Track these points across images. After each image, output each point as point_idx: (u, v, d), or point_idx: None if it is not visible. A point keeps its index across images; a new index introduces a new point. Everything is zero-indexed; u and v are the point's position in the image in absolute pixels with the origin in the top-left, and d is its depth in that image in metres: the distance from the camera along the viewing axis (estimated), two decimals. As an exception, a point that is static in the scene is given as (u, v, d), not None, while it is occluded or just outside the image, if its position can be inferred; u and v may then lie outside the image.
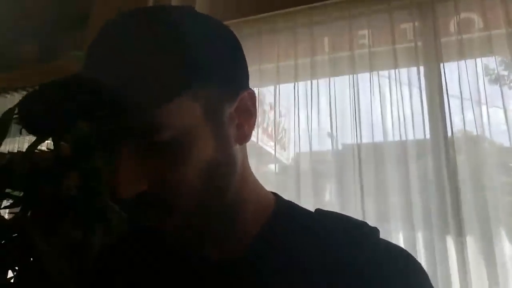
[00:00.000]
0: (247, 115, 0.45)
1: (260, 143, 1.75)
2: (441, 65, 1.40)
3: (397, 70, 1.44)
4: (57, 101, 0.36)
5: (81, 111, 0.35)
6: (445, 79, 1.39)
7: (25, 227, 0.97)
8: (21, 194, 1.06)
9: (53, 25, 2.37)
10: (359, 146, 1.46)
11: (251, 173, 0.49)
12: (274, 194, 0.52)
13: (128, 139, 0.38)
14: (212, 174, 0.41)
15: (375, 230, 0.48)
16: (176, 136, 0.38)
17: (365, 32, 1.54)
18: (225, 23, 1.57)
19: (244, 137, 0.45)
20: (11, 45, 2.47)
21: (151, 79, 0.36)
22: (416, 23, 1.48)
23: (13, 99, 2.19)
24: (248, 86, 0.46)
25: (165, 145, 0.38)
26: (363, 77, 1.51)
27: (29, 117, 0.36)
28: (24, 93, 2.11)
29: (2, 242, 1.01)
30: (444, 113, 1.38)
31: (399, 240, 1.36)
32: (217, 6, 1.81)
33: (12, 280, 0.95)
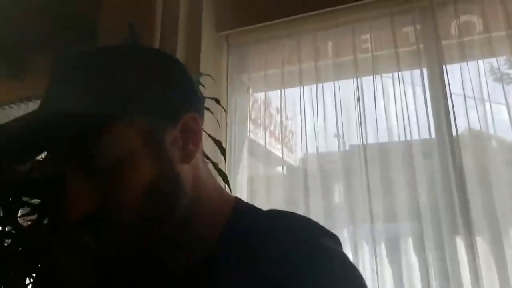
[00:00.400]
0: (191, 135, 0.48)
1: (267, 146, 1.77)
2: (444, 66, 1.42)
3: (400, 73, 1.46)
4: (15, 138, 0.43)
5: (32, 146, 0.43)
6: (448, 80, 1.41)
7: (43, 234, 1.00)
8: (38, 203, 1.09)
9: (62, 36, 2.43)
10: (364, 146, 1.48)
11: (208, 183, 0.52)
12: (236, 198, 0.55)
13: (71, 167, 0.43)
14: (155, 192, 0.44)
15: (313, 228, 0.51)
16: (114, 161, 0.42)
17: (368, 36, 1.56)
18: (230, 32, 1.61)
19: (190, 155, 0.48)
20: (22, 54, 2.54)
21: (85, 111, 0.41)
22: (418, 27, 1.51)
23: (25, 109, 2.25)
24: (194, 108, 0.50)
25: (105, 170, 0.42)
26: (368, 80, 1.52)
27: None
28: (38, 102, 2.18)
29: (19, 249, 1.04)
30: (449, 112, 1.39)
31: (408, 241, 1.37)
32: (222, 16, 1.85)
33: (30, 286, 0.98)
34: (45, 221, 1.09)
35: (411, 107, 1.44)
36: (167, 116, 0.46)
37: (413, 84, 1.45)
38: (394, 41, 1.50)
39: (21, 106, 2.30)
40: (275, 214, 0.53)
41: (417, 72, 1.46)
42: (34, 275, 1.04)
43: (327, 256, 0.46)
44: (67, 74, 0.45)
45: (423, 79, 1.45)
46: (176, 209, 0.46)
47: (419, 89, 1.45)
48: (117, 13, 1.83)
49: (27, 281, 1.06)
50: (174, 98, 0.48)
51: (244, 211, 0.53)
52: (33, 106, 2.23)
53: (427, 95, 1.44)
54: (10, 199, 1.10)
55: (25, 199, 1.14)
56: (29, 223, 1.11)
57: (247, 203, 0.55)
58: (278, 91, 1.76)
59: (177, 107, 0.48)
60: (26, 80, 2.37)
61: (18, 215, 1.11)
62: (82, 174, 0.43)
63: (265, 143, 1.73)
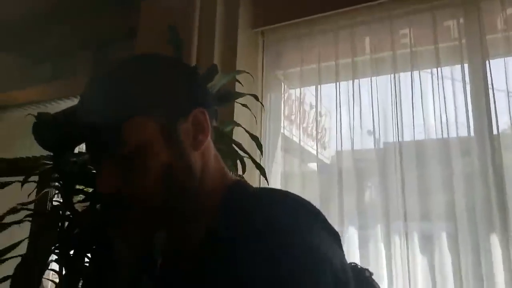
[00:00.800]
0: (200, 127, 0.58)
1: (301, 143, 1.80)
2: (487, 62, 1.38)
3: (439, 68, 1.44)
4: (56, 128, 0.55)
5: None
6: (491, 76, 1.37)
7: (97, 219, 1.12)
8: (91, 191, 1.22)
9: (104, 38, 2.58)
10: (400, 144, 1.47)
11: (213, 167, 0.60)
12: (237, 179, 0.62)
13: (105, 153, 0.54)
14: (171, 175, 0.54)
15: (292, 209, 0.54)
16: (137, 148, 0.52)
17: (407, 31, 1.54)
18: (266, 28, 1.64)
19: (200, 144, 0.57)
20: (66, 55, 2.72)
21: (114, 107, 0.53)
22: (461, 20, 1.47)
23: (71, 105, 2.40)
24: (203, 104, 0.59)
25: (129, 156, 0.52)
26: (405, 76, 1.51)
27: (38, 138, 0.57)
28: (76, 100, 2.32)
29: (75, 231, 1.17)
30: (490, 110, 1.36)
31: (442, 239, 1.36)
32: (258, 13, 1.89)
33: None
34: (97, 207, 1.20)
35: (450, 104, 1.42)
36: (179, 111, 0.56)
37: (453, 80, 1.42)
38: (435, 36, 1.47)
39: (61, 104, 2.45)
40: (262, 193, 0.60)
41: (457, 67, 1.43)
42: (89, 255, 1.16)
43: (282, 240, 0.48)
44: (103, 78, 0.57)
45: (464, 74, 1.42)
46: (187, 189, 0.55)
47: (459, 85, 1.42)
48: (155, 15, 1.92)
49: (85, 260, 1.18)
50: (184, 96, 0.58)
51: (236, 190, 0.59)
52: (71, 103, 2.38)
53: (467, 91, 1.40)
54: (68, 188, 1.22)
55: (80, 187, 1.26)
56: (84, 208, 1.23)
57: (246, 184, 0.62)
58: (313, 87, 1.78)
59: (187, 103, 0.58)
60: (67, 80, 2.53)
61: (75, 202, 1.23)
62: (113, 159, 0.53)
63: (299, 139, 1.77)
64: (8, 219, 1.15)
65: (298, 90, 1.84)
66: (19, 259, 1.05)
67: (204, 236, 0.55)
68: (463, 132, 1.38)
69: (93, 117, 0.53)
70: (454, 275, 1.31)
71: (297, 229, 0.50)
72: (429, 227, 1.38)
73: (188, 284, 0.55)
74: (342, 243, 0.56)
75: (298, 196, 0.57)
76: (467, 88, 1.41)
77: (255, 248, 0.47)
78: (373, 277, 0.65)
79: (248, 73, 1.48)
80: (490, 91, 1.37)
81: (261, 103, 1.44)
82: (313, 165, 1.75)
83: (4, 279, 1.04)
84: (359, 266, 0.65)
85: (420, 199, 1.40)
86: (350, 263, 0.60)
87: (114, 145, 0.52)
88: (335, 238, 0.55)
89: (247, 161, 1.26)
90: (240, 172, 1.30)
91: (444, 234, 1.36)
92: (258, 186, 0.62)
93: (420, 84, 1.48)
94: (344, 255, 0.55)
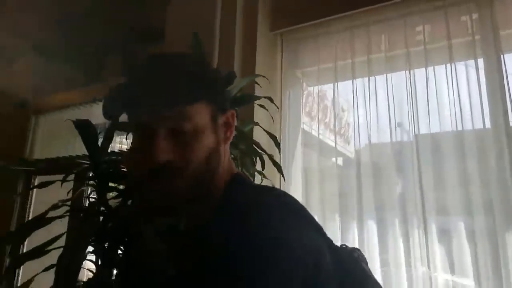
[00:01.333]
0: (229, 125, 0.68)
1: (322, 137, 1.85)
2: (501, 55, 1.38)
3: (453, 64, 1.45)
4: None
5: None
6: (505, 69, 1.37)
7: (129, 214, 1.23)
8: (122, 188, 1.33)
9: (132, 40, 2.70)
10: (417, 137, 1.50)
11: (227, 161, 0.70)
12: (238, 173, 0.72)
13: (164, 126, 0.60)
14: (211, 157, 0.63)
15: (275, 196, 0.63)
16: (193, 128, 0.61)
17: (421, 28, 1.56)
18: (284, 30, 1.70)
19: (227, 139, 0.68)
20: (96, 57, 2.86)
21: (182, 91, 0.61)
22: (474, 17, 1.47)
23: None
24: (232, 107, 0.69)
25: (186, 133, 0.61)
26: (420, 72, 1.53)
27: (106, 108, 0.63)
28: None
29: (109, 225, 1.28)
30: (506, 102, 1.37)
31: (461, 232, 1.38)
32: (276, 16, 1.95)
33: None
34: (128, 203, 1.31)
35: (465, 98, 1.43)
36: (223, 106, 0.67)
37: (467, 74, 1.43)
38: (448, 32, 1.49)
39: (93, 107, 2.57)
40: (254, 188, 0.70)
41: (471, 62, 1.44)
42: (122, 247, 1.26)
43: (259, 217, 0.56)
44: (167, 60, 0.64)
45: (478, 69, 1.43)
46: (215, 172, 0.65)
47: (473, 79, 1.43)
48: (179, 19, 2.01)
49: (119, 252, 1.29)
50: (225, 95, 0.70)
51: (235, 182, 0.69)
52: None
53: (482, 85, 1.41)
54: (102, 185, 1.33)
55: (113, 185, 1.37)
56: (117, 204, 1.34)
57: (244, 178, 0.72)
58: (331, 84, 1.82)
59: (226, 102, 0.69)
60: (100, 84, 2.67)
61: (108, 198, 1.35)
62: (169, 133, 0.60)
63: (318, 134, 1.81)
64: (50, 214, 1.28)
65: (317, 87, 1.89)
66: (60, 251, 1.17)
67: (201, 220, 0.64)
68: (479, 125, 1.39)
69: (160, 94, 0.59)
70: (473, 266, 1.33)
71: (278, 213, 0.58)
72: (446, 220, 1.40)
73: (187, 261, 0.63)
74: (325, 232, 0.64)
75: (286, 193, 0.65)
76: (481, 82, 1.41)
77: (239, 223, 0.56)
78: (362, 257, 0.70)
79: (264, 76, 1.55)
80: (506, 84, 1.37)
81: (275, 104, 1.50)
82: (334, 160, 1.79)
83: (49, 267, 1.16)
84: (348, 248, 0.71)
85: (438, 193, 1.42)
86: (341, 245, 0.71)
87: (178, 121, 0.60)
88: (317, 228, 0.63)
89: (265, 157, 1.33)
90: (260, 168, 1.37)
91: (461, 225, 1.37)
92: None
93: (435, 79, 1.49)
94: (328, 241, 0.63)
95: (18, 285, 1.33)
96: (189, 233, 0.67)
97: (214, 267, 0.55)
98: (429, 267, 1.38)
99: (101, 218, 1.33)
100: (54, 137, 2.67)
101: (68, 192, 1.36)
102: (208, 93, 0.64)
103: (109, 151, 1.38)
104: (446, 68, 1.48)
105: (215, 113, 0.65)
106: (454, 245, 1.38)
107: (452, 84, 1.45)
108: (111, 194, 1.36)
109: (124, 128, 1.41)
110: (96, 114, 2.51)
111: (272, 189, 0.70)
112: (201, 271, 0.58)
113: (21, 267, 2.39)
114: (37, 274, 1.26)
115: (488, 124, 1.39)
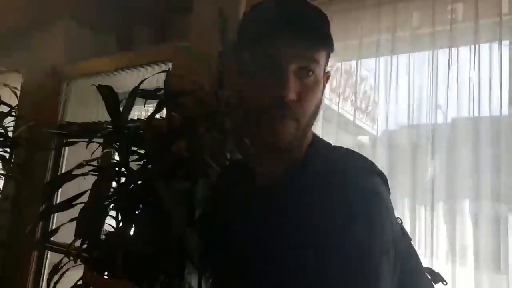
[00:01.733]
0: (327, 81, 0.69)
1: (343, 113, 1.83)
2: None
3: (478, 45, 1.40)
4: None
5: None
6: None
7: (149, 176, 1.31)
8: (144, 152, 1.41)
9: (161, 11, 2.73)
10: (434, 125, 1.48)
11: None
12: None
13: (294, 64, 0.60)
14: (317, 108, 0.65)
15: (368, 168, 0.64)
16: (318, 75, 0.62)
17: (449, 8, 1.50)
18: (320, 1, 1.65)
19: (321, 100, 0.66)
20: (126, 27, 2.92)
21: (323, 35, 0.62)
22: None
23: (131, 75, 2.60)
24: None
25: (311, 77, 0.61)
26: (443, 52, 1.49)
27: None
28: (141, 70, 2.52)
29: (131, 186, 1.38)
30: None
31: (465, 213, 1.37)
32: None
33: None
34: (149, 166, 1.39)
35: (485, 81, 1.39)
36: (328, 64, 0.67)
37: (490, 56, 1.38)
38: (476, 12, 1.43)
39: (122, 74, 2.65)
40: (340, 149, 0.70)
41: (495, 45, 1.38)
42: (141, 206, 1.35)
43: (373, 201, 0.58)
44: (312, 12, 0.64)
45: (501, 52, 1.37)
46: (313, 124, 0.66)
47: (496, 61, 1.38)
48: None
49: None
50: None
51: (318, 139, 0.71)
52: (138, 73, 2.58)
53: (503, 68, 1.36)
54: (124, 148, 1.41)
55: (134, 148, 1.45)
56: (138, 166, 1.42)
57: (321, 139, 0.73)
58: (354, 62, 1.79)
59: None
60: (129, 52, 2.73)
61: (130, 161, 1.43)
62: (297, 75, 0.60)
63: (338, 107, 1.80)
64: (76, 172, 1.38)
65: (343, 63, 1.86)
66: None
67: (288, 171, 0.65)
68: (496, 112, 1.35)
69: (307, 33, 0.60)
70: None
71: (368, 175, 0.62)
72: (453, 204, 1.39)
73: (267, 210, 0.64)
74: None
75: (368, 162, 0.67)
76: (503, 65, 1.36)
77: (339, 185, 0.58)
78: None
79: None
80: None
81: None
82: (355, 138, 1.77)
83: (74, 219, 1.27)
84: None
85: (448, 177, 1.41)
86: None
87: (311, 64, 0.60)
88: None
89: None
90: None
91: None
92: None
93: (458, 60, 1.44)
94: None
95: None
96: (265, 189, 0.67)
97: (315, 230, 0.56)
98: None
99: (123, 179, 1.42)
100: (84, 102, 2.79)
101: (93, 153, 1.45)
102: (331, 44, 0.63)
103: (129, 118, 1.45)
104: (470, 49, 1.43)
105: (326, 67, 0.66)
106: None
107: (475, 66, 1.40)
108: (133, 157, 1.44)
109: (145, 96, 1.47)
110: (125, 82, 2.59)
111: (360, 156, 0.68)
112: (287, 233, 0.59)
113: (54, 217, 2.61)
114: (63, 224, 1.38)
115: (506, 111, 1.34)
